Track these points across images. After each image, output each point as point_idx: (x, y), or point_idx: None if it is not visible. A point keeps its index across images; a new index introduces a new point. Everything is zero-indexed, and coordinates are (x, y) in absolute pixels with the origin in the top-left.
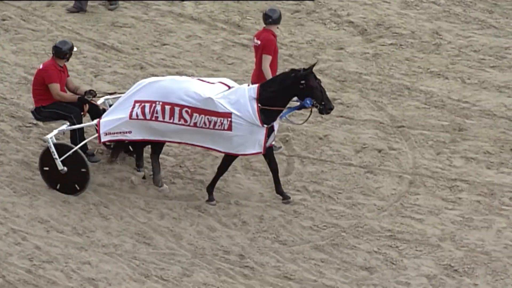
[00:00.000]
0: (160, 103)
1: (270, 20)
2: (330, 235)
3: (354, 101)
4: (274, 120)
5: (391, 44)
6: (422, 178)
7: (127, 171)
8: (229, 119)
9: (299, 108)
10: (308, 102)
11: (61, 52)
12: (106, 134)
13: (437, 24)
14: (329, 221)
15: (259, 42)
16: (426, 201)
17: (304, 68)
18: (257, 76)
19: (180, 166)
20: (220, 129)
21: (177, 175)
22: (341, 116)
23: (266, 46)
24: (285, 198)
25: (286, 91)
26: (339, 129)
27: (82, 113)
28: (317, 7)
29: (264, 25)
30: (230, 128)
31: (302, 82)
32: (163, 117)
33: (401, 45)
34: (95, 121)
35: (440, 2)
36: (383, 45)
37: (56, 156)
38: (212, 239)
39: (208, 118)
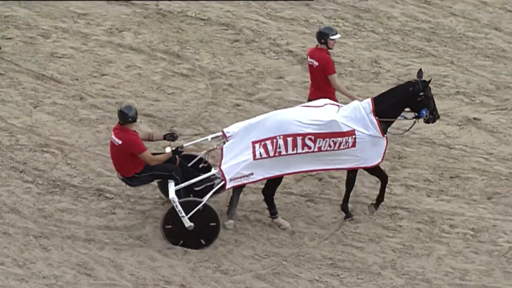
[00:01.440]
0: (281, 137)
1: (320, 38)
2: (272, 264)
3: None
4: (386, 131)
5: None
6: (362, 206)
7: (67, 202)
8: (353, 136)
9: (415, 119)
10: (424, 112)
11: (133, 118)
12: (231, 180)
13: (376, 53)
14: (270, 250)
15: (317, 63)
16: (367, 229)
17: (423, 81)
18: (317, 96)
19: (121, 197)
20: (345, 148)
21: (117, 205)
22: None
23: (327, 66)
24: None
25: (403, 103)
26: None
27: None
28: (256, 37)
29: (318, 44)
30: (354, 145)
31: (421, 94)
32: (286, 150)
33: (340, 73)
34: (215, 170)
35: (379, 31)
36: None
37: (183, 214)
38: (153, 269)
39: (333, 140)
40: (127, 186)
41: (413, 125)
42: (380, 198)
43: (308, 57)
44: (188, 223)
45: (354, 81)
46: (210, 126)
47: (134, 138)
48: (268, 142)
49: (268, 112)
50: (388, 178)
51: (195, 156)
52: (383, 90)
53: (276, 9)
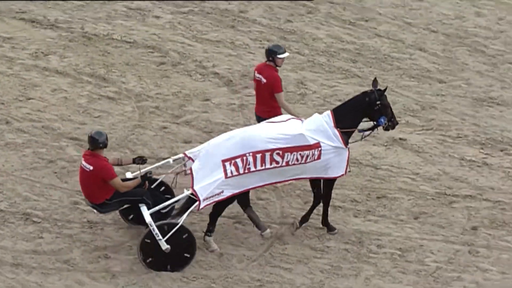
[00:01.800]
0: (250, 154)
1: (270, 55)
2: (200, 286)
3: None
4: (348, 141)
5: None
6: (290, 227)
7: None
8: (319, 148)
9: (374, 128)
10: (382, 120)
11: (104, 144)
12: (204, 199)
13: (302, 74)
14: (199, 272)
15: (265, 80)
16: (295, 250)
17: (379, 89)
18: (263, 111)
19: (48, 221)
20: (312, 160)
21: (45, 229)
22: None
23: (275, 84)
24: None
25: (360, 113)
26: None
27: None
28: (182, 59)
29: (267, 61)
30: (319, 157)
31: (378, 103)
32: (255, 166)
33: None
34: (188, 192)
35: (304, 52)
36: (249, 95)
37: (160, 237)
38: None
39: (300, 154)
40: (101, 213)
41: (371, 132)
42: (307, 217)
43: (256, 72)
44: (165, 246)
45: None
46: (137, 149)
47: (105, 164)
48: (238, 160)
49: (196, 133)
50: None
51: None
52: (310, 112)
53: (202, 31)
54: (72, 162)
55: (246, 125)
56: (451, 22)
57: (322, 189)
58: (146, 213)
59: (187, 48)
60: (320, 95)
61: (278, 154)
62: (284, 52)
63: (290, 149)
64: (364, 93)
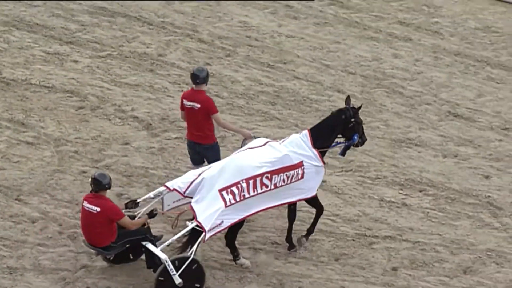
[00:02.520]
0: (244, 180)
1: (198, 80)
2: None
3: (141, 195)
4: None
5: (176, 138)
6: (211, 270)
7: None
8: (302, 167)
9: (349, 145)
10: (355, 138)
11: (109, 185)
12: (209, 230)
13: (222, 117)
14: None
15: (198, 105)
16: None
17: (353, 107)
18: (198, 136)
19: None
20: (296, 180)
21: None
22: (129, 211)
23: (210, 107)
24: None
25: (337, 130)
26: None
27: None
28: (101, 103)
29: (194, 86)
30: (303, 176)
31: (352, 120)
32: (249, 192)
33: (185, 138)
34: (193, 224)
35: (223, 95)
36: (168, 139)
37: (174, 272)
38: None
39: (286, 175)
40: (107, 256)
41: (347, 150)
42: (311, 229)
43: (185, 100)
44: (178, 280)
45: None
46: (57, 194)
47: (112, 204)
48: (234, 188)
49: (115, 177)
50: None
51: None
52: (229, 154)
53: (121, 75)
54: None
55: (166, 168)
56: (369, 64)
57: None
58: (157, 250)
59: (106, 92)
60: (240, 138)
61: (266, 177)
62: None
63: (277, 171)
64: (340, 110)
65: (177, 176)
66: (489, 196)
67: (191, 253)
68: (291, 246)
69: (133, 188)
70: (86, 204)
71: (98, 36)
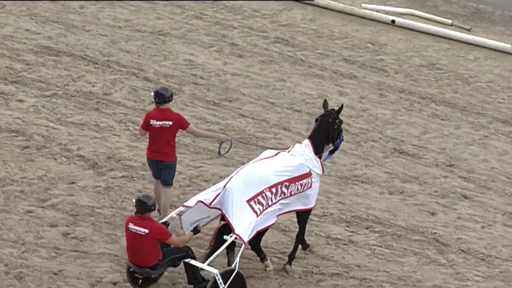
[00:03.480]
0: (267, 189)
1: (165, 99)
2: None
3: (88, 235)
4: None
5: (123, 176)
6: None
7: None
8: (311, 176)
9: (338, 146)
10: (341, 137)
11: (154, 206)
12: (247, 242)
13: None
14: None
15: (170, 122)
16: None
17: (333, 109)
18: (164, 154)
19: None
20: (307, 189)
21: None
22: (75, 251)
23: (182, 121)
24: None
25: (330, 135)
26: (74, 264)
27: None
28: (47, 142)
29: (159, 105)
30: (311, 185)
31: (337, 121)
32: (272, 201)
33: (132, 177)
34: (232, 237)
35: None
36: (114, 177)
37: (223, 285)
38: None
39: (300, 183)
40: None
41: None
42: (293, 254)
43: (154, 121)
44: None
45: (146, 184)
46: (3, 234)
47: (159, 225)
48: (260, 197)
49: (62, 216)
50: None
51: None
52: (176, 192)
53: (66, 114)
54: None
55: (112, 207)
56: (314, 102)
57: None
58: (204, 266)
59: (52, 131)
60: (186, 176)
61: (285, 186)
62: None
63: (293, 180)
64: (325, 115)
65: (123, 215)
66: (435, 233)
67: (235, 265)
68: (306, 246)
69: (80, 228)
70: (132, 226)
71: (43, 76)
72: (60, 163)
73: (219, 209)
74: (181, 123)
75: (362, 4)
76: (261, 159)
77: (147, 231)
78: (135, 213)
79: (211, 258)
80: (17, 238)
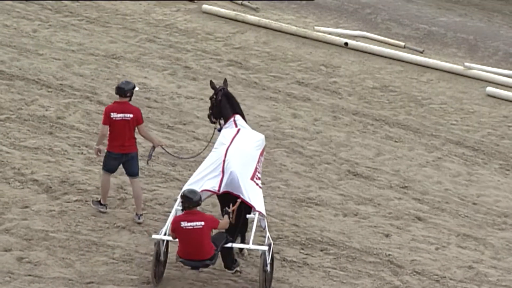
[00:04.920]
0: (257, 164)
1: (117, 91)
2: None
3: (42, 259)
4: None
5: (77, 200)
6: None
7: None
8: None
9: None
10: None
11: (201, 200)
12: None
13: (121, 179)
14: None
15: (131, 115)
16: None
17: (222, 86)
18: (126, 146)
19: None
20: (260, 165)
21: None
22: (30, 275)
23: (139, 116)
24: None
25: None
26: None
27: None
28: (0, 166)
29: (119, 98)
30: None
31: None
32: (260, 173)
33: (86, 201)
34: (257, 214)
35: None
36: (68, 201)
37: (270, 260)
38: None
39: (263, 156)
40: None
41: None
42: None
43: (115, 113)
44: (270, 268)
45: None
46: None
47: (208, 214)
48: (257, 173)
49: (15, 240)
50: None
51: None
52: (130, 216)
53: (20, 138)
54: None
55: (66, 231)
56: (268, 124)
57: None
58: (252, 246)
59: (5, 156)
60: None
61: (261, 158)
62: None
63: (263, 151)
64: (223, 89)
65: (78, 239)
66: (389, 255)
67: (269, 239)
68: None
69: (34, 252)
70: (186, 224)
71: None
72: (13, 187)
73: (230, 192)
74: (138, 118)
75: (315, 27)
76: (233, 137)
77: (203, 223)
78: (182, 210)
79: (251, 238)
80: None
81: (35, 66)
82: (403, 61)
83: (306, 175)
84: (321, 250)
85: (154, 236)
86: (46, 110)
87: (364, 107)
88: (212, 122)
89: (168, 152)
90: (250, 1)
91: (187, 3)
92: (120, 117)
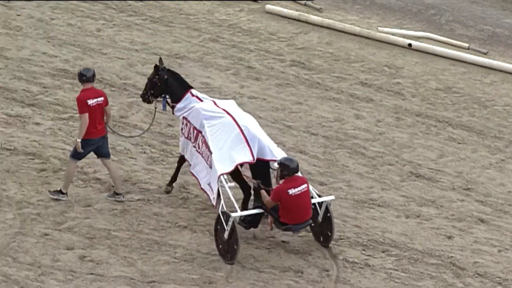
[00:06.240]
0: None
1: (84, 78)
2: None
3: (104, 258)
4: None
5: (139, 199)
6: None
7: None
8: None
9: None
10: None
11: (298, 166)
12: None
13: (183, 178)
14: None
15: (102, 98)
16: None
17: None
18: (102, 129)
19: None
20: None
21: None
22: (91, 274)
23: (106, 97)
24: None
25: None
26: (90, 287)
27: None
28: (63, 165)
29: (85, 85)
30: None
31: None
32: None
33: (148, 200)
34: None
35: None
36: (131, 200)
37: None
38: None
39: None
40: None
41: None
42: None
43: (91, 100)
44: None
45: (163, 207)
46: (19, 257)
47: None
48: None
49: (78, 239)
50: None
51: None
52: (192, 216)
53: None
54: None
55: (128, 230)
56: (331, 125)
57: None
58: (323, 198)
59: (68, 155)
60: (202, 199)
61: None
62: None
63: None
64: (166, 68)
65: (140, 238)
66: (451, 256)
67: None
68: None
69: (96, 251)
70: (294, 190)
71: (60, 98)
72: (76, 186)
73: (262, 159)
74: (106, 99)
75: (379, 28)
76: (223, 108)
77: (306, 185)
78: (282, 179)
79: (314, 192)
80: (33, 261)
81: (99, 65)
82: (466, 62)
83: (368, 176)
84: (383, 252)
85: (233, 214)
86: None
87: (427, 109)
88: (148, 102)
89: (114, 132)
90: (313, 1)
91: (251, 3)
92: (95, 102)
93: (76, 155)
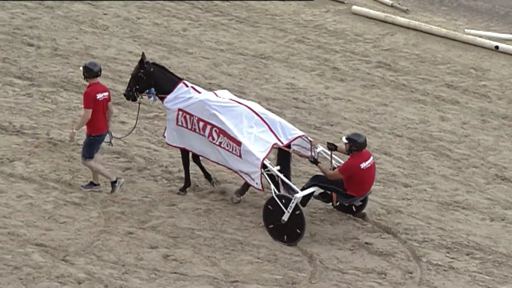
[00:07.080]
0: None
1: (92, 72)
2: None
3: (187, 257)
4: None
5: (222, 199)
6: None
7: None
8: None
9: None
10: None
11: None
12: None
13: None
14: None
15: (107, 93)
16: None
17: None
18: (106, 124)
19: None
20: None
21: None
22: (175, 273)
23: (109, 92)
24: None
25: None
26: (173, 286)
27: None
28: (148, 164)
29: (91, 80)
30: None
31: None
32: None
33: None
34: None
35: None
36: (215, 200)
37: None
38: None
39: None
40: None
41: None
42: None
43: (99, 94)
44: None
45: (246, 207)
46: (103, 255)
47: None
48: None
49: (162, 238)
50: None
51: None
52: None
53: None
54: (38, 268)
55: (212, 230)
56: (416, 127)
57: None
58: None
59: (153, 153)
60: None
61: None
62: None
63: None
64: (151, 62)
65: (223, 238)
66: None
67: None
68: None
69: (179, 250)
70: (365, 164)
71: (145, 98)
72: (161, 185)
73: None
74: (109, 96)
75: (466, 30)
76: (230, 98)
77: (372, 158)
78: (352, 154)
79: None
80: (117, 259)
81: (185, 65)
82: None
83: (453, 179)
84: (467, 254)
85: (299, 194)
86: None
87: None
88: (133, 99)
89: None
90: (400, 3)
91: (337, 4)
92: (102, 97)
93: (88, 154)
